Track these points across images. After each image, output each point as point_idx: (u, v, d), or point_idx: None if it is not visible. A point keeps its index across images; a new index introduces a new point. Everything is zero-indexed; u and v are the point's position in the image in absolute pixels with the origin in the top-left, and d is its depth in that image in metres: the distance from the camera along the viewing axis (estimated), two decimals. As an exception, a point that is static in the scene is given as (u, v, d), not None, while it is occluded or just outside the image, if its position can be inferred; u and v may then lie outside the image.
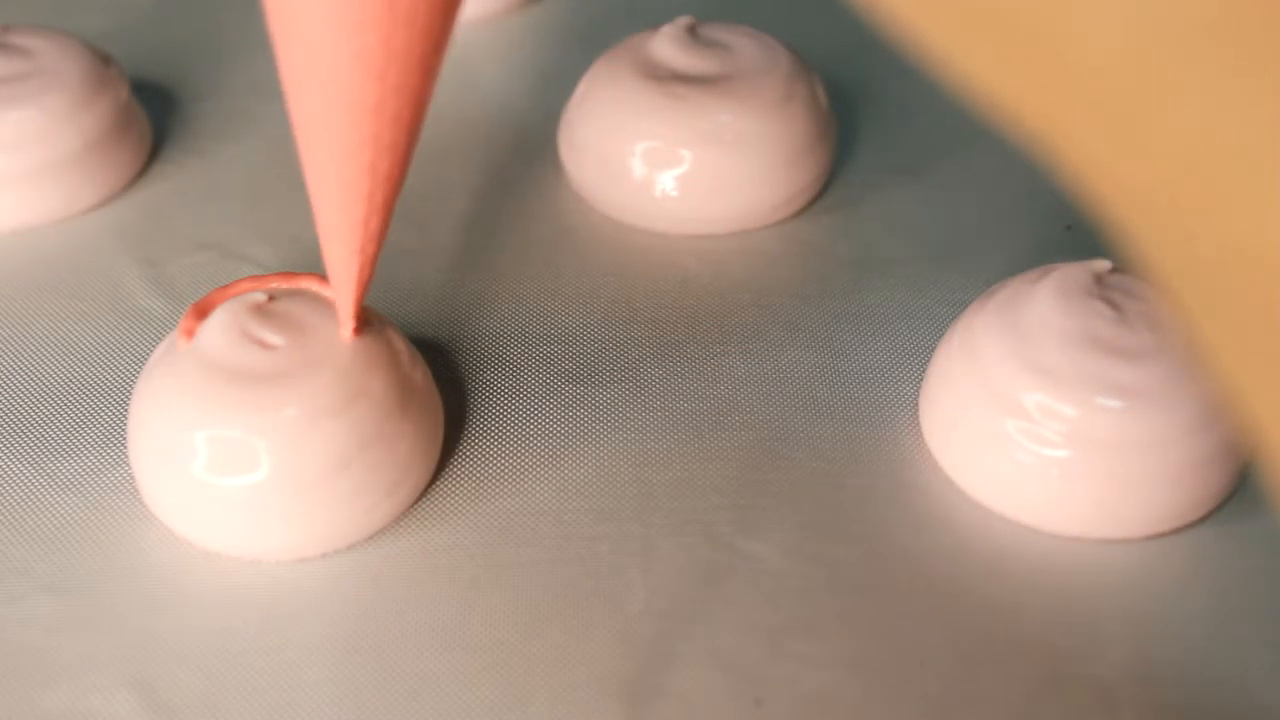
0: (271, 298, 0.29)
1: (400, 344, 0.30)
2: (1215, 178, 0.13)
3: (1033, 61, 0.14)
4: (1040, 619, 0.28)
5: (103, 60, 0.39)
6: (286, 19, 0.23)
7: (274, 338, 0.28)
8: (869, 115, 0.42)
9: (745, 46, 0.38)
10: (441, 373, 0.33)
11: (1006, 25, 0.13)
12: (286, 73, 0.24)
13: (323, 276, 0.30)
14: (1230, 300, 0.14)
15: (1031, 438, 0.29)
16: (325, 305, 0.29)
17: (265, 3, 0.23)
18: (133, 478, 0.30)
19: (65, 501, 0.30)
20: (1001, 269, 0.34)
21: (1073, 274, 0.30)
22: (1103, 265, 0.30)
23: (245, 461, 0.28)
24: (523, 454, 0.31)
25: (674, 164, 0.36)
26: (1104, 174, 0.14)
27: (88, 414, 0.32)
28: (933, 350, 0.32)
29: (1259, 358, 0.14)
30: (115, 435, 0.31)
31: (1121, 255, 0.16)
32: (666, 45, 0.38)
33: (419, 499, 0.30)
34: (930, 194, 0.39)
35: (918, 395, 0.32)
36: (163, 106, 0.42)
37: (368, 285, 0.28)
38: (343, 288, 0.28)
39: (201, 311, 0.29)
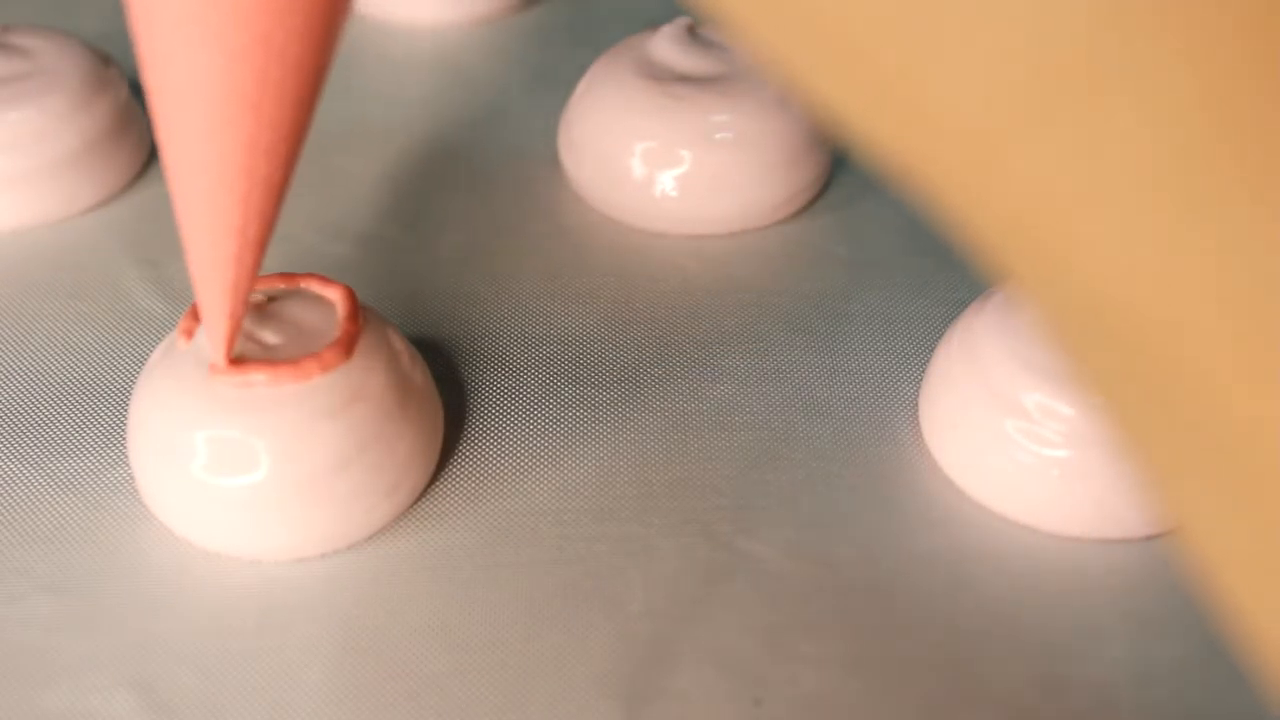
0: (270, 298, 0.29)
1: (400, 344, 0.30)
2: (1072, 220, 0.13)
3: (897, 104, 0.13)
4: (1040, 619, 0.28)
5: (102, 60, 0.39)
6: (158, 51, 0.23)
7: (273, 337, 0.28)
8: (869, 115, 0.41)
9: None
10: (441, 373, 0.33)
11: (866, 63, 0.13)
12: (158, 104, 0.24)
13: (322, 277, 0.30)
14: (1100, 339, 0.14)
15: (1031, 438, 0.29)
16: (324, 305, 0.29)
17: (136, 33, 0.23)
18: (132, 478, 0.30)
19: (65, 501, 0.30)
20: (1001, 269, 0.34)
21: (1072, 274, 0.30)
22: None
23: (244, 462, 0.28)
24: (522, 454, 0.31)
25: (674, 164, 0.36)
26: (970, 214, 0.14)
27: (88, 414, 0.32)
28: (932, 350, 0.32)
29: (1137, 400, 0.14)
30: (115, 435, 0.31)
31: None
32: (666, 45, 0.38)
33: (418, 499, 0.30)
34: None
35: (917, 395, 0.32)
36: (163, 107, 0.42)
37: (241, 321, 0.27)
38: (215, 324, 0.27)
39: (201, 312, 0.29)
